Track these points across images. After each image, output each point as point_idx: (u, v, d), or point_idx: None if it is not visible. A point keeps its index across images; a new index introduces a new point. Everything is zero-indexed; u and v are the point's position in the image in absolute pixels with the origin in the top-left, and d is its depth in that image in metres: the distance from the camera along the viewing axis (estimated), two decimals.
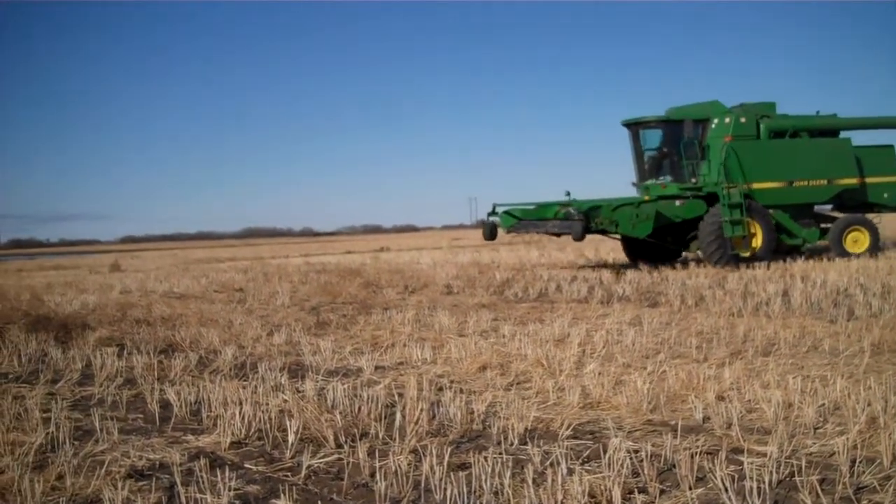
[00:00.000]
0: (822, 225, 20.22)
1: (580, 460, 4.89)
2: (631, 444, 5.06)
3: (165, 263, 35.55)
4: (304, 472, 4.89)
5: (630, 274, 16.67)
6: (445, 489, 4.35)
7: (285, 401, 6.36)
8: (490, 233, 20.04)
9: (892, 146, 21.08)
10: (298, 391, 6.82)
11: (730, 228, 18.28)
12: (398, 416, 5.80)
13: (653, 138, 20.24)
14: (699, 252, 19.37)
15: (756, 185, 19.00)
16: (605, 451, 4.81)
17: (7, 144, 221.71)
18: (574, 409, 6.05)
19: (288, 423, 5.55)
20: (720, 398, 6.10)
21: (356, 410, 6.13)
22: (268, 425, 5.78)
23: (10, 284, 21.67)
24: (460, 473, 4.63)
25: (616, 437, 5.11)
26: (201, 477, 4.66)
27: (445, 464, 4.68)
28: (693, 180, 19.23)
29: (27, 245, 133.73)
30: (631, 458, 4.70)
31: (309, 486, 4.72)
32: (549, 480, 4.40)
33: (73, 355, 8.92)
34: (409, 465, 4.81)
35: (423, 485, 4.56)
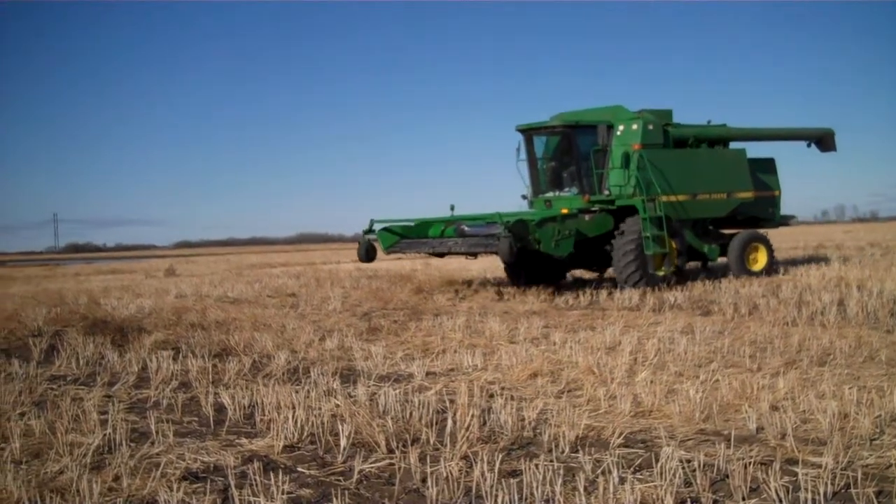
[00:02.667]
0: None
1: (632, 469, 4.87)
2: (683, 453, 5.03)
3: (219, 268, 35.95)
4: (355, 476, 4.94)
5: (682, 282, 16.53)
6: (496, 496, 4.36)
7: (337, 405, 6.41)
8: (366, 254, 17.05)
9: (773, 159, 20.00)
10: (350, 396, 6.87)
11: (651, 245, 15.98)
12: (449, 422, 5.83)
13: (552, 146, 17.76)
14: (612, 270, 17.10)
15: (666, 198, 16.86)
16: (657, 460, 4.79)
17: (67, 150, 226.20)
18: (626, 418, 6.03)
19: (340, 427, 5.60)
20: (774, 408, 6.04)
21: (407, 416, 6.17)
22: (320, 430, 5.85)
23: (69, 288, 22.06)
24: (511, 480, 4.64)
25: (668, 446, 5.09)
26: (255, 480, 4.72)
27: (496, 470, 4.69)
28: (606, 192, 16.97)
29: (84, 249, 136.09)
30: (683, 468, 4.67)
31: (361, 491, 4.76)
32: (601, 489, 4.39)
33: (129, 358, 9.07)
34: (460, 471, 4.83)
35: (473, 491, 4.58)
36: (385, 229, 17.04)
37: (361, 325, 11.72)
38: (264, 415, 6.37)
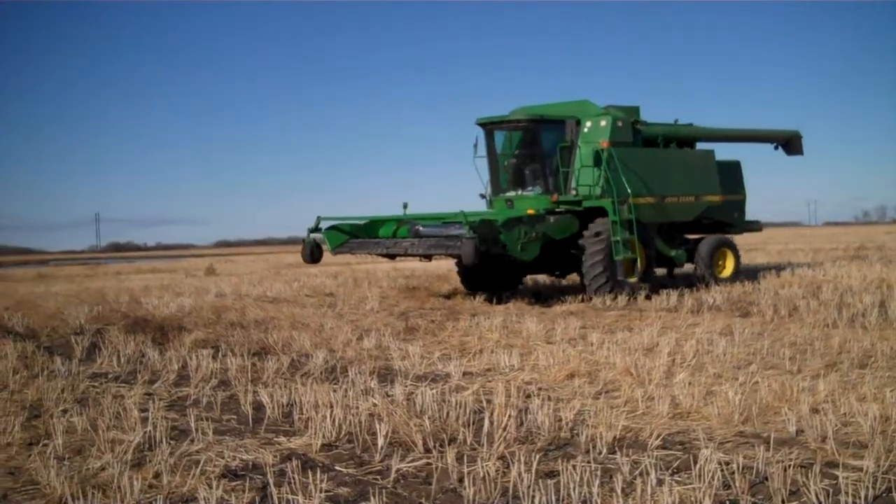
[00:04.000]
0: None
1: (670, 471, 4.85)
2: (722, 455, 4.99)
3: (258, 268, 36.18)
4: (393, 475, 4.96)
5: (721, 283, 16.39)
6: (534, 496, 4.36)
7: (375, 405, 6.45)
8: (311, 254, 15.96)
9: (738, 162, 19.23)
10: (388, 395, 6.90)
11: (621, 250, 14.94)
12: (486, 422, 5.83)
13: (514, 142, 16.60)
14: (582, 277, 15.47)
15: (640, 200, 15.86)
16: (695, 462, 4.76)
17: (109, 150, 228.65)
18: (663, 419, 6.00)
19: (377, 426, 5.63)
20: (814, 411, 5.98)
21: (444, 416, 6.18)
22: (358, 429, 5.88)
23: (110, 287, 22.35)
24: (548, 481, 4.64)
25: (707, 448, 5.06)
26: (293, 478, 4.76)
27: (533, 471, 4.69)
28: (573, 192, 15.87)
29: (125, 248, 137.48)
30: (722, 470, 4.64)
31: (398, 490, 4.78)
32: (639, 490, 4.37)
33: (169, 356, 9.17)
34: (497, 471, 4.83)
35: (511, 491, 4.58)
36: (332, 228, 15.95)
37: (399, 325, 11.75)
38: (302, 413, 6.41)
